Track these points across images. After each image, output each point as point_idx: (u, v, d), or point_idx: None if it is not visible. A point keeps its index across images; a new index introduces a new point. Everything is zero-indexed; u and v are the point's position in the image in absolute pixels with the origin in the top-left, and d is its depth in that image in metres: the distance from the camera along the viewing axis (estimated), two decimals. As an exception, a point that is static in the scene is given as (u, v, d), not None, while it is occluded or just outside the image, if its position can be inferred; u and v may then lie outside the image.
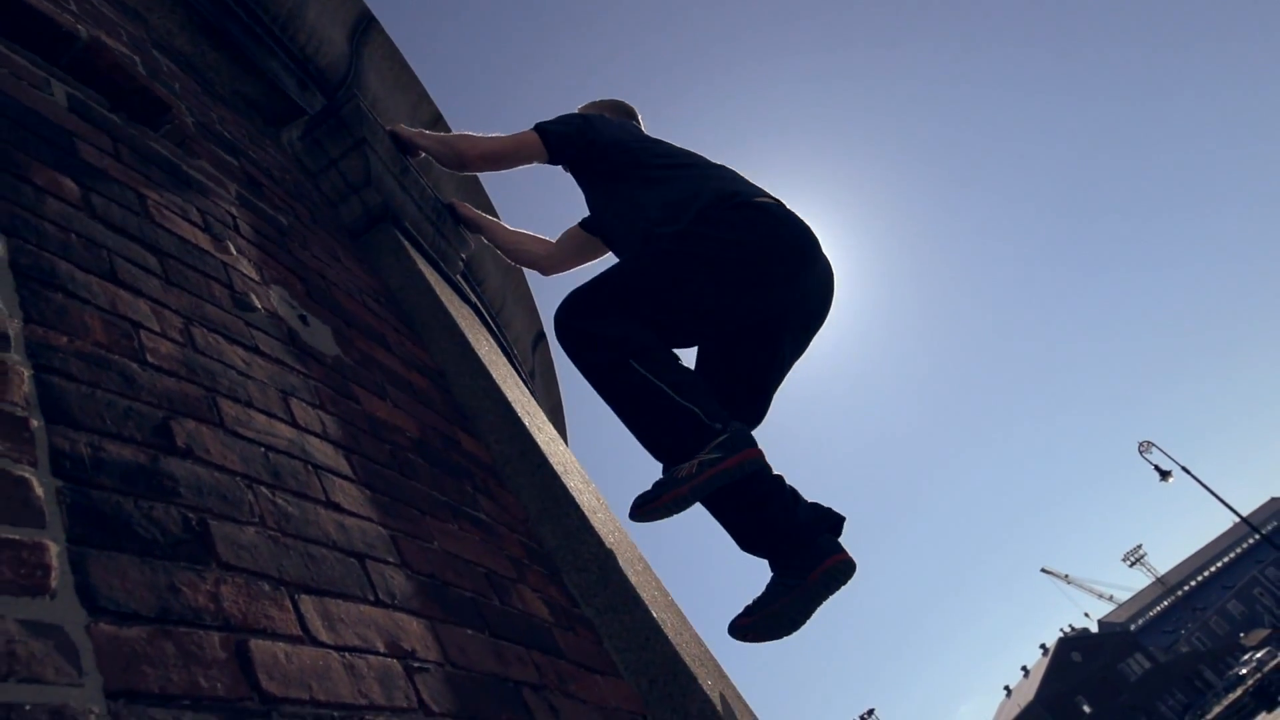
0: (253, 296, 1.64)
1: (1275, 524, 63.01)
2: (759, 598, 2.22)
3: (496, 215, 4.17)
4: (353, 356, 1.86)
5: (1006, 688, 72.17)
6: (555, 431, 2.81)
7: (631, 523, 2.20)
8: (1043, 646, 64.95)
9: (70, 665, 0.76)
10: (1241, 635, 55.85)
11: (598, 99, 3.34)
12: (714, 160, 2.77)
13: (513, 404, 2.30)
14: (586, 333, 2.29)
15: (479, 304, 4.08)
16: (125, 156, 1.63)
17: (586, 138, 2.79)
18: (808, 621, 2.21)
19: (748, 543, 2.33)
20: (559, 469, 2.19)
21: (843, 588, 2.22)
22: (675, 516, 2.21)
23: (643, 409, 2.24)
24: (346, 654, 1.08)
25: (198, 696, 0.85)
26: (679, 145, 2.83)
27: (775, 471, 2.31)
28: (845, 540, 2.26)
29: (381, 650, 1.15)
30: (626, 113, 3.26)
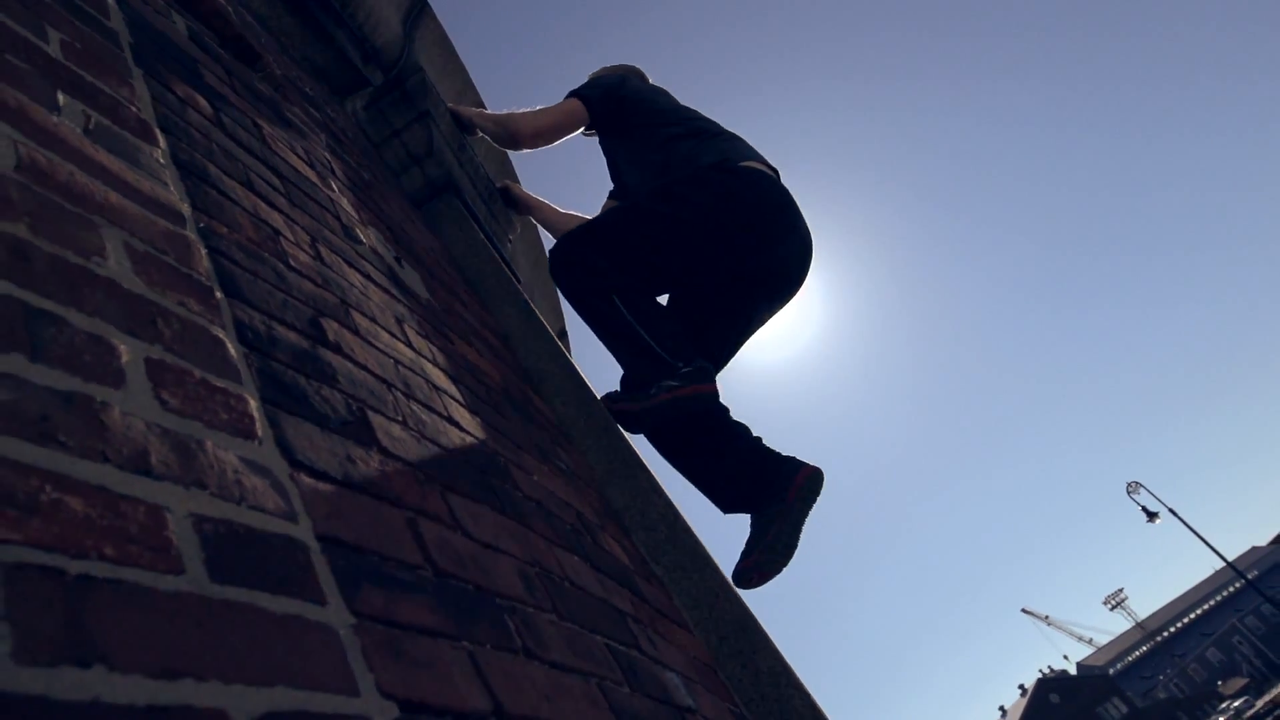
0: (358, 231, 1.66)
1: (1256, 572, 63.17)
2: (750, 539, 2.35)
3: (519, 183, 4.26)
4: (440, 303, 1.88)
5: (984, 727, 71.66)
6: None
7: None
8: (1021, 687, 64.66)
9: (285, 503, 0.78)
10: (1219, 683, 55.78)
11: (607, 66, 3.45)
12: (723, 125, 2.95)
13: (577, 368, 2.32)
14: (580, 262, 2.45)
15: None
16: (239, 88, 1.66)
17: (620, 92, 2.95)
18: (799, 543, 2.35)
19: (727, 503, 2.45)
20: (626, 432, 2.21)
21: (818, 499, 2.39)
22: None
23: (618, 338, 2.40)
24: (489, 549, 1.09)
25: (385, 554, 0.86)
26: (688, 106, 3.03)
27: (735, 419, 2.49)
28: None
29: (515, 554, 1.16)
30: (639, 75, 3.41)
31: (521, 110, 3.08)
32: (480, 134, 3.14)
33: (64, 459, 0.60)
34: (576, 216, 3.28)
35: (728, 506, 2.44)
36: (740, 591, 2.13)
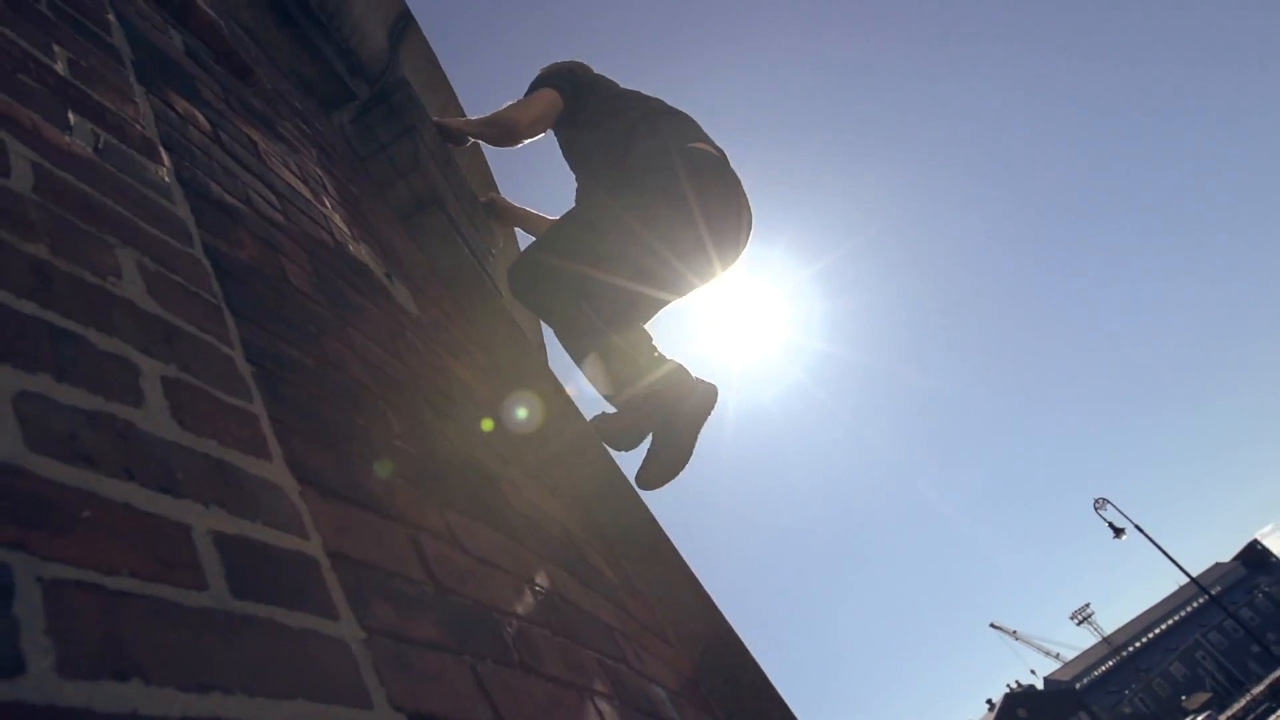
0: (350, 247, 1.68)
1: (1219, 588, 64.14)
2: (651, 449, 2.50)
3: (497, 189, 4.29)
4: (429, 319, 1.90)
5: (952, 741, 72.00)
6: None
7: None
8: (989, 702, 65.17)
9: (296, 520, 0.80)
10: (1183, 698, 56.53)
11: (555, 62, 3.48)
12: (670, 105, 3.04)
13: (561, 384, 2.35)
14: (545, 273, 2.50)
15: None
16: (234, 104, 1.67)
17: (580, 81, 3.04)
18: (694, 452, 2.51)
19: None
20: (613, 452, 2.24)
21: (713, 411, 2.54)
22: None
23: (589, 347, 2.48)
24: (487, 566, 1.12)
25: (390, 570, 0.88)
26: (632, 89, 3.13)
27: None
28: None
29: (508, 570, 1.18)
30: (584, 68, 3.43)
31: (505, 106, 3.08)
32: (471, 141, 3.15)
33: (93, 477, 0.62)
34: None
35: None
36: (718, 606, 2.15)
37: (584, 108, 2.98)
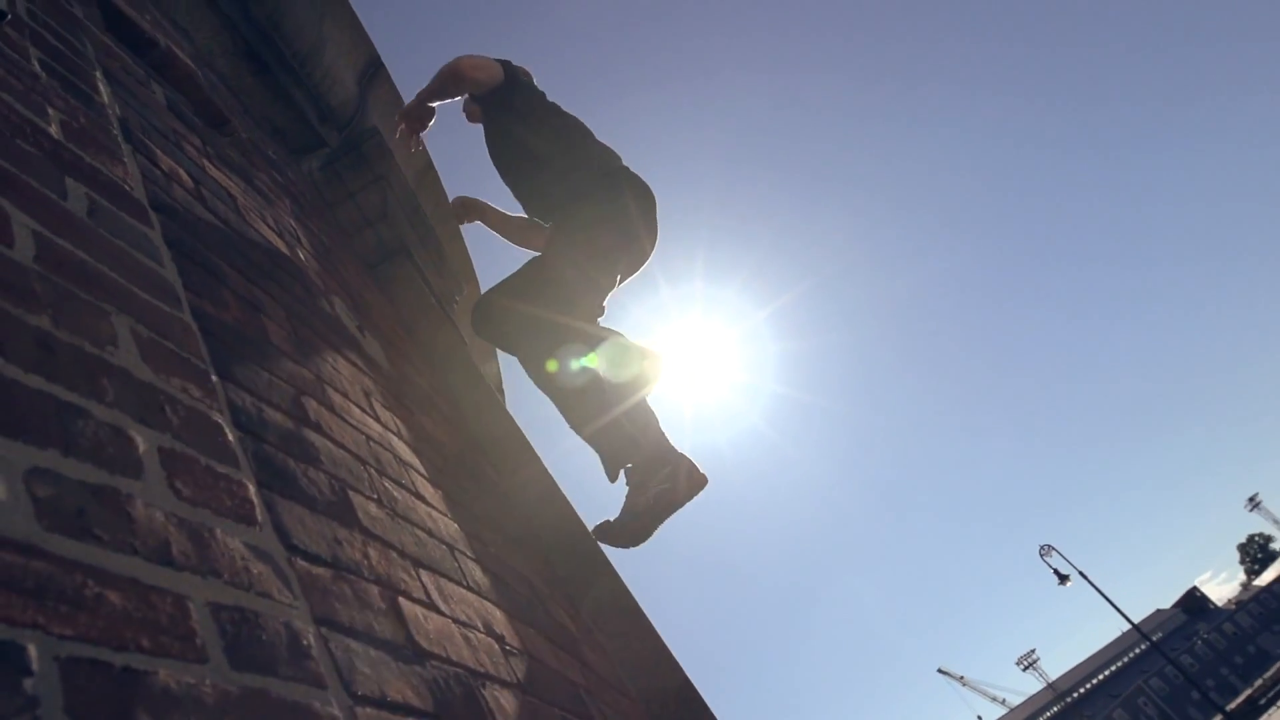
0: (324, 301, 1.71)
1: (1160, 635, 65.28)
2: (624, 508, 2.39)
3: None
4: (399, 372, 1.92)
5: (899, 788, 71.80)
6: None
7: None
8: (937, 747, 65.16)
9: (286, 588, 0.82)
10: (1126, 744, 57.05)
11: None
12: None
13: (521, 430, 2.37)
14: (516, 313, 2.52)
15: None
16: (214, 159, 1.70)
17: (518, 73, 3.10)
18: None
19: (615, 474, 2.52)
20: (570, 501, 2.27)
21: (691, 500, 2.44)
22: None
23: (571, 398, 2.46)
24: (461, 626, 1.14)
25: (374, 636, 0.91)
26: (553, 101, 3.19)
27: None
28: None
29: (481, 629, 1.21)
30: (526, 74, 3.43)
31: (452, 63, 3.04)
32: (432, 121, 3.13)
33: (100, 553, 0.64)
34: (528, 222, 3.26)
35: (615, 478, 2.51)
36: (677, 658, 2.17)
37: (514, 103, 3.01)
